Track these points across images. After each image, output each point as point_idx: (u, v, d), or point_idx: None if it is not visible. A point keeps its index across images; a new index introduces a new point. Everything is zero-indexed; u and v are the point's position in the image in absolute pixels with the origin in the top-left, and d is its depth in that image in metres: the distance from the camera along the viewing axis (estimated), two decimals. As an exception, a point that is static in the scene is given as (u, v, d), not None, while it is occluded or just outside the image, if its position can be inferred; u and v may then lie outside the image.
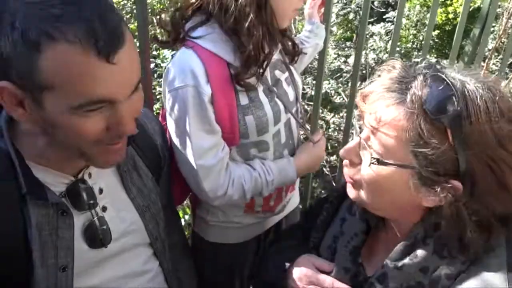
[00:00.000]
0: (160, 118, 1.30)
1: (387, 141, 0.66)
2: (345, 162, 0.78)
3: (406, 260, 0.70)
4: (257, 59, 1.06)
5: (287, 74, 1.25)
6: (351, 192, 0.77)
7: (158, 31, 2.33)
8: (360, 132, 0.73)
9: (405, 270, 0.70)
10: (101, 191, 0.82)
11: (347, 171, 0.77)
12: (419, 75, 0.66)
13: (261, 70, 1.10)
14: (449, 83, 0.63)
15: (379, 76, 0.71)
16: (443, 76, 0.64)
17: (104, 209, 0.82)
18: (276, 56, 1.19)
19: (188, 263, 1.15)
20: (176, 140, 1.10)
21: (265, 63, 1.09)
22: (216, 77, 1.04)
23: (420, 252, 0.70)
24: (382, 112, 0.66)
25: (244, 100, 1.11)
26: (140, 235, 0.90)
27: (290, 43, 1.23)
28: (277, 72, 1.21)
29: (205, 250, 1.39)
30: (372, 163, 0.68)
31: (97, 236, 0.80)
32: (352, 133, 3.63)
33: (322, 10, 1.59)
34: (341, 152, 0.76)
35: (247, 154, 1.20)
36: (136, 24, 1.31)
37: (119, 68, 0.63)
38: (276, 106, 1.17)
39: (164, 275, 0.99)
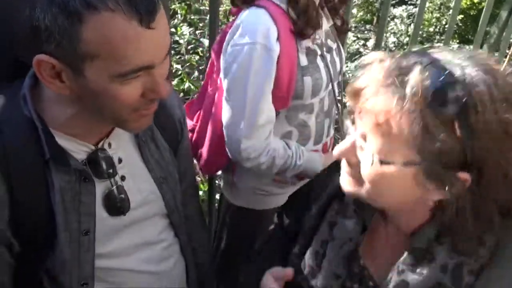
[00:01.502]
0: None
1: (388, 140, 0.61)
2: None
3: (425, 264, 0.67)
4: (311, 8, 1.09)
5: (336, 45, 1.29)
6: (348, 188, 0.72)
7: (177, 5, 2.33)
8: (354, 130, 0.68)
9: (426, 275, 0.67)
10: (120, 160, 0.83)
11: (346, 170, 0.72)
12: (415, 65, 0.60)
13: (319, 18, 1.12)
14: (450, 71, 0.59)
15: (365, 68, 0.65)
16: (442, 64, 0.60)
17: (123, 178, 0.84)
18: (327, 26, 1.23)
19: (203, 235, 1.18)
20: (228, 95, 1.12)
21: (317, 13, 1.11)
22: (285, 36, 1.07)
23: (437, 253, 0.66)
24: (379, 109, 0.61)
25: (304, 61, 1.14)
26: (158, 205, 0.92)
27: (339, 21, 1.27)
28: (329, 42, 1.25)
29: (230, 213, 1.43)
30: (373, 165, 0.64)
31: (116, 204, 0.82)
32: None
33: None
34: (335, 153, 0.70)
35: (296, 118, 1.22)
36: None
37: (158, 33, 0.64)
38: (328, 72, 1.20)
39: (180, 245, 1.02)
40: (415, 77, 0.59)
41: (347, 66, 3.70)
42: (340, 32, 1.29)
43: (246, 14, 1.08)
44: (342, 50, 1.31)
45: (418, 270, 0.68)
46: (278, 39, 1.05)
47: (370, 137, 0.64)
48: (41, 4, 0.59)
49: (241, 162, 1.17)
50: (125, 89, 0.66)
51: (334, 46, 1.27)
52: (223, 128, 1.17)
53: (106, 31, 0.60)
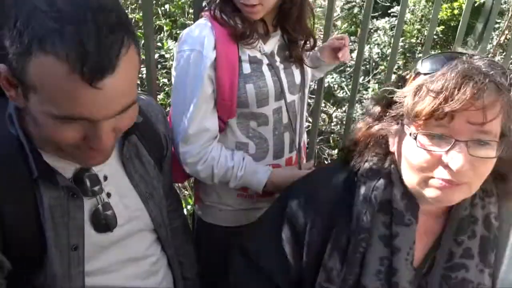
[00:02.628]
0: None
1: (497, 126, 0.71)
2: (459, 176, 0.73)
3: (471, 228, 0.80)
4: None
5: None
6: (460, 195, 0.75)
7: (163, 21, 2.34)
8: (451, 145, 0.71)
9: (472, 237, 0.80)
10: (105, 178, 0.84)
11: (466, 177, 0.73)
12: (503, 65, 0.73)
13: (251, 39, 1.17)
14: None
15: (437, 71, 0.73)
16: None
17: (109, 195, 0.85)
18: (282, 39, 1.27)
19: (189, 248, 1.18)
20: (172, 99, 1.19)
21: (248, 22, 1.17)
22: (224, 45, 1.13)
23: (476, 212, 0.80)
24: (488, 105, 0.68)
25: (246, 69, 1.18)
26: (144, 221, 0.92)
27: (301, 36, 1.27)
28: (287, 53, 1.28)
29: (201, 230, 1.44)
30: (501, 150, 0.72)
31: (102, 221, 0.83)
32: (352, 128, 3.64)
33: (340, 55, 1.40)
34: (460, 170, 0.71)
35: (247, 127, 1.24)
36: (141, 14, 1.32)
37: (104, 93, 0.62)
38: (278, 82, 1.22)
39: (168, 260, 1.02)
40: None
41: (332, 77, 3.75)
42: (303, 48, 1.29)
43: (194, 24, 1.18)
44: (306, 62, 1.33)
45: (466, 236, 0.80)
46: (215, 47, 1.12)
47: (486, 130, 0.70)
48: (8, 26, 0.59)
49: (184, 166, 1.20)
50: (64, 128, 0.65)
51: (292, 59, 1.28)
52: None
53: (46, 74, 0.60)
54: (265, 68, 1.21)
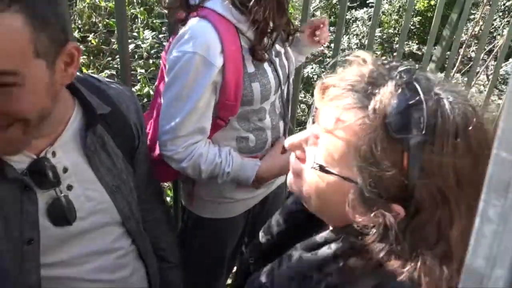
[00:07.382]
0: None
1: (336, 147, 0.57)
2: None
3: (309, 254, 0.66)
4: (268, 31, 1.11)
5: (284, 49, 1.30)
6: (291, 185, 0.69)
7: (137, 10, 2.30)
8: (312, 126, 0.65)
9: (305, 260, 0.66)
10: (65, 170, 0.81)
11: (292, 162, 0.68)
12: (391, 79, 0.55)
13: (271, 42, 1.14)
14: (422, 98, 0.52)
15: (344, 67, 0.61)
16: (417, 87, 0.53)
17: (69, 187, 0.82)
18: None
19: (171, 236, 1.17)
20: (163, 95, 1.14)
21: (275, 34, 1.14)
22: (230, 48, 1.08)
23: (322, 252, 0.65)
24: (338, 113, 0.56)
25: (250, 68, 1.16)
26: (110, 214, 0.90)
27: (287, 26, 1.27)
28: (277, 46, 1.27)
29: (197, 226, 1.42)
30: (313, 168, 0.60)
31: (60, 215, 0.80)
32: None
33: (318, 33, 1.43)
34: (286, 143, 0.67)
35: (248, 122, 1.24)
36: (113, 3, 1.29)
37: None
38: (277, 76, 1.23)
39: (139, 252, 1.00)
40: (384, 92, 0.53)
41: (312, 68, 3.75)
42: (289, 33, 1.29)
43: (193, 24, 1.08)
44: (290, 53, 1.34)
45: (304, 254, 0.67)
46: (222, 51, 1.07)
47: (321, 139, 0.60)
48: None
49: (168, 162, 1.18)
50: None
51: (282, 50, 1.29)
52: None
53: None
54: (265, 65, 1.20)
